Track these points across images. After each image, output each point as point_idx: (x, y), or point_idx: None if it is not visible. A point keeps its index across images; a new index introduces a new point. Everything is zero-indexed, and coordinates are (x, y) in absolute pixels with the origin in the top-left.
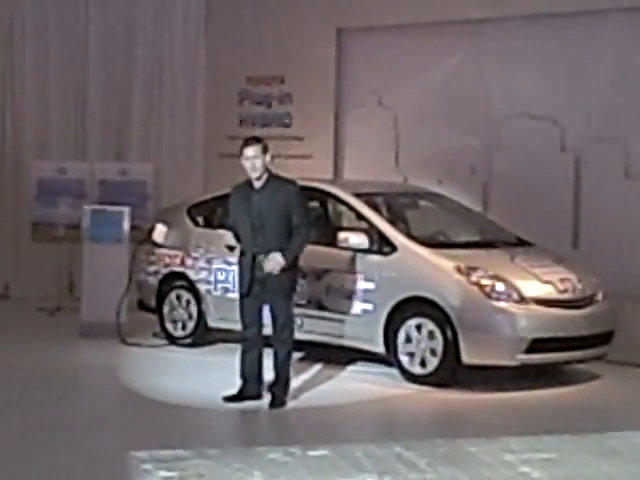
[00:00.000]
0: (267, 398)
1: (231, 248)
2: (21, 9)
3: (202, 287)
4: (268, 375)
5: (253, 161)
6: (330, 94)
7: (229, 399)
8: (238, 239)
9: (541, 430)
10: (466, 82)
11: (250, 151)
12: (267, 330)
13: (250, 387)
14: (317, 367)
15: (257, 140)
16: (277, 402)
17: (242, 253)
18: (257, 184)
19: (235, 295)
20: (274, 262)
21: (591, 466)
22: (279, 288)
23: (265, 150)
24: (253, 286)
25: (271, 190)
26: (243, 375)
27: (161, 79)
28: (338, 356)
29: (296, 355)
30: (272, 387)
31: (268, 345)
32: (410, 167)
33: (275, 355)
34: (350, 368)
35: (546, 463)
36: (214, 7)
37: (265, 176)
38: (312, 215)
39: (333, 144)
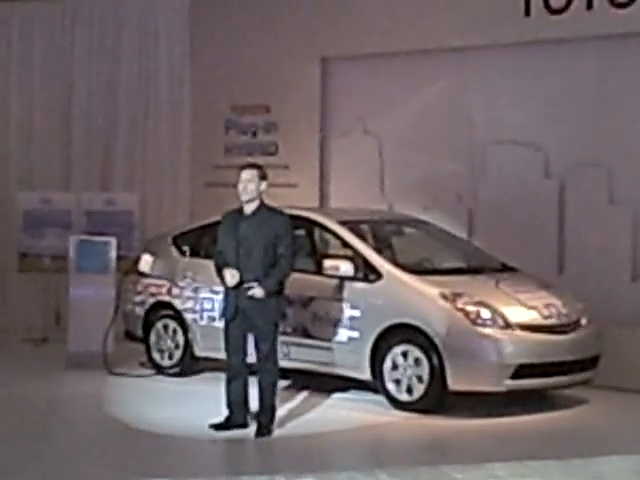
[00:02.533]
0: (253, 426)
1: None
2: (7, 44)
3: (189, 316)
4: (254, 404)
5: (246, 184)
6: (315, 122)
7: (216, 427)
8: (219, 267)
9: (527, 456)
10: (450, 109)
11: (245, 174)
12: (252, 358)
13: (236, 416)
14: (303, 395)
15: (255, 166)
16: (263, 431)
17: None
18: (247, 209)
19: (221, 324)
20: (257, 292)
21: None
22: (263, 316)
23: (262, 177)
24: (238, 313)
25: (260, 218)
26: (229, 404)
27: (146, 108)
28: (324, 384)
29: (282, 383)
30: (258, 416)
31: (253, 373)
32: (395, 194)
33: (260, 384)
34: (336, 395)
35: None
36: (198, 37)
37: (256, 203)
38: (297, 247)
39: (319, 172)
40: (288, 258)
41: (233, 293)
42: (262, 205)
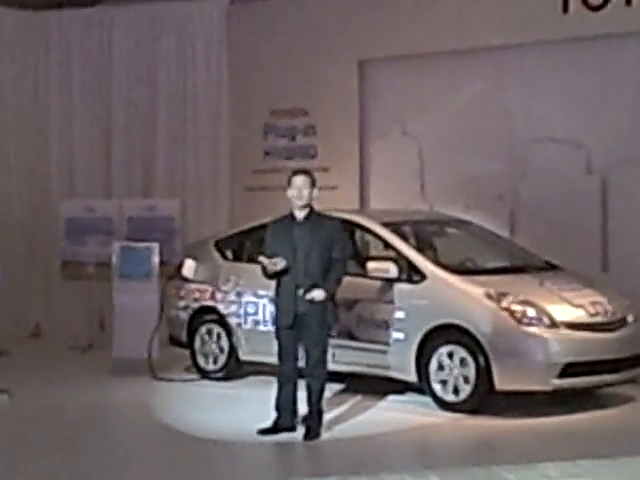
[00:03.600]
0: (301, 430)
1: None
2: (46, 53)
3: (232, 321)
4: (302, 407)
5: (301, 189)
6: (354, 125)
7: (264, 432)
8: (266, 274)
9: (577, 455)
10: (489, 108)
11: (299, 180)
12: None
13: (284, 419)
14: (355, 398)
15: (306, 172)
16: (311, 434)
17: (278, 284)
18: (300, 215)
19: (265, 328)
20: (317, 295)
21: None
22: (318, 320)
23: (313, 184)
24: (297, 320)
25: (314, 223)
26: (278, 407)
27: (185, 115)
28: (379, 387)
29: (336, 387)
30: (306, 420)
31: (301, 377)
32: (436, 194)
33: (309, 388)
34: (390, 398)
35: None
36: (236, 42)
37: (308, 209)
38: (350, 250)
39: (358, 174)
40: (343, 262)
41: (290, 300)
42: (312, 211)
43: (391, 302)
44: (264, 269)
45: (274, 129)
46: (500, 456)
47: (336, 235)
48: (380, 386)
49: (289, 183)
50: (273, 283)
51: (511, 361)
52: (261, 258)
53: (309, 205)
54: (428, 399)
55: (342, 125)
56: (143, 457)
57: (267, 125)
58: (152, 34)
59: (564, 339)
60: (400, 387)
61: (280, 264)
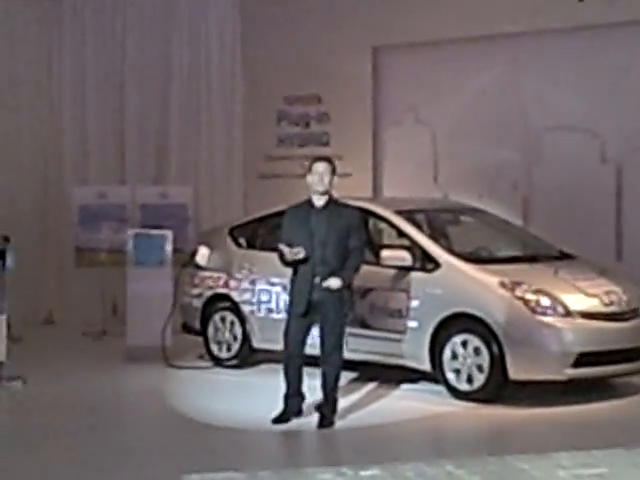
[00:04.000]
0: (312, 417)
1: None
2: (59, 39)
3: (246, 308)
4: (310, 395)
5: (322, 176)
6: (367, 112)
7: (277, 421)
8: (284, 261)
9: (591, 445)
10: (504, 96)
11: (321, 166)
12: (311, 350)
13: (292, 405)
14: (369, 387)
15: (328, 160)
16: (326, 422)
17: (295, 272)
18: (319, 202)
19: (278, 316)
20: (334, 283)
21: None
22: (335, 308)
23: (334, 171)
24: (311, 307)
25: (332, 211)
26: (287, 394)
27: (198, 101)
28: (393, 375)
29: (350, 375)
30: (320, 407)
31: (311, 364)
32: (449, 183)
33: (324, 376)
34: (404, 387)
35: (598, 478)
36: (249, 29)
37: (326, 197)
38: (366, 239)
39: (372, 162)
40: (360, 251)
41: (305, 287)
42: (331, 199)
43: (405, 291)
44: (282, 256)
45: (287, 116)
46: (514, 445)
47: (354, 224)
48: (394, 375)
49: (310, 169)
50: (287, 271)
51: (525, 350)
52: (281, 246)
53: (328, 192)
54: (441, 388)
55: (356, 112)
56: (155, 444)
57: (280, 112)
58: (166, 20)
59: (578, 328)
60: (413, 376)
61: (301, 254)
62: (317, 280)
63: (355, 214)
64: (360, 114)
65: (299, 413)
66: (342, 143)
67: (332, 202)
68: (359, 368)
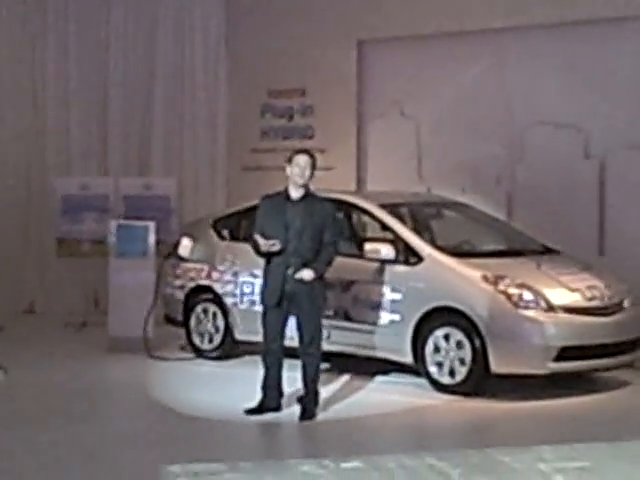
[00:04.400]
0: (288, 409)
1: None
2: (42, 27)
3: (228, 300)
4: (290, 387)
5: (304, 169)
6: (352, 105)
7: (250, 412)
8: (258, 251)
9: (573, 438)
10: (488, 91)
11: (303, 159)
12: (290, 342)
13: (270, 400)
14: (344, 378)
15: (310, 154)
16: (308, 415)
17: (268, 262)
18: (295, 195)
19: (261, 308)
20: (307, 274)
21: (626, 474)
22: (310, 300)
23: (314, 166)
24: (283, 299)
25: (308, 204)
26: (264, 387)
27: (182, 93)
28: (366, 367)
29: (323, 366)
30: (302, 400)
31: (290, 357)
32: (433, 177)
33: (304, 368)
34: (378, 379)
35: (581, 472)
36: (234, 21)
37: (304, 190)
38: (341, 233)
39: (355, 155)
40: (334, 245)
41: (278, 278)
42: (308, 192)
43: (388, 284)
44: (256, 246)
45: (272, 109)
46: (495, 439)
47: (329, 218)
48: (367, 366)
49: (290, 161)
50: None
51: (507, 344)
52: (256, 236)
53: (306, 185)
54: (423, 381)
55: (340, 106)
56: (136, 434)
57: (265, 105)
58: (150, 12)
59: (560, 323)
60: (387, 367)
61: (276, 246)
62: (290, 271)
63: (330, 208)
64: (344, 107)
65: (277, 409)
66: (326, 136)
67: (309, 195)
68: (332, 359)
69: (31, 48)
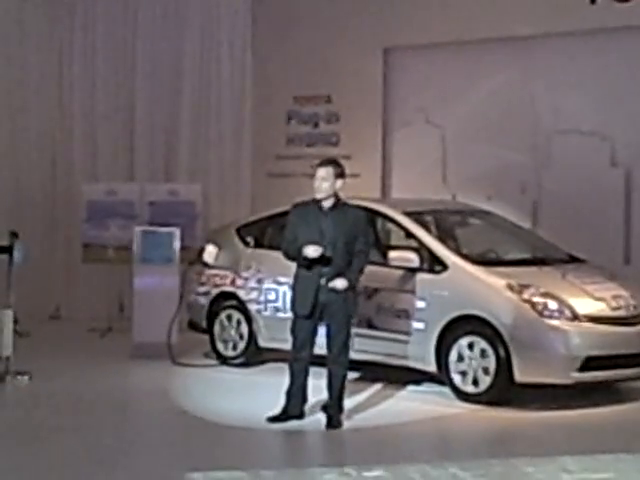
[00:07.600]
0: (311, 417)
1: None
2: (70, 35)
3: (253, 307)
4: (314, 395)
5: (320, 182)
6: (377, 113)
7: (273, 419)
8: (290, 258)
9: (597, 449)
10: (514, 99)
11: (321, 172)
12: (318, 350)
13: (293, 407)
14: (376, 387)
15: (332, 163)
16: (334, 423)
17: (299, 272)
18: (325, 204)
19: (285, 315)
20: (340, 284)
21: None
22: (342, 309)
23: (338, 175)
24: (316, 308)
25: (340, 213)
26: (288, 395)
27: (208, 100)
28: (398, 376)
29: (352, 375)
30: (327, 408)
31: (316, 364)
32: (458, 184)
33: (330, 376)
34: (410, 388)
35: None
36: (260, 28)
37: (332, 199)
38: (372, 241)
39: (381, 162)
40: (366, 253)
41: (311, 288)
42: (339, 200)
43: (412, 292)
44: (289, 252)
45: (297, 115)
46: (519, 449)
47: (361, 225)
48: (399, 375)
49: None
50: (294, 270)
51: (532, 353)
52: (304, 246)
53: (335, 194)
54: (447, 390)
55: (365, 113)
56: (159, 441)
57: (290, 111)
58: (177, 19)
59: (585, 332)
60: (418, 377)
61: (318, 251)
62: (323, 281)
63: (362, 216)
64: (370, 115)
65: (300, 416)
66: (351, 143)
67: (340, 204)
68: (363, 368)
69: (58, 52)
